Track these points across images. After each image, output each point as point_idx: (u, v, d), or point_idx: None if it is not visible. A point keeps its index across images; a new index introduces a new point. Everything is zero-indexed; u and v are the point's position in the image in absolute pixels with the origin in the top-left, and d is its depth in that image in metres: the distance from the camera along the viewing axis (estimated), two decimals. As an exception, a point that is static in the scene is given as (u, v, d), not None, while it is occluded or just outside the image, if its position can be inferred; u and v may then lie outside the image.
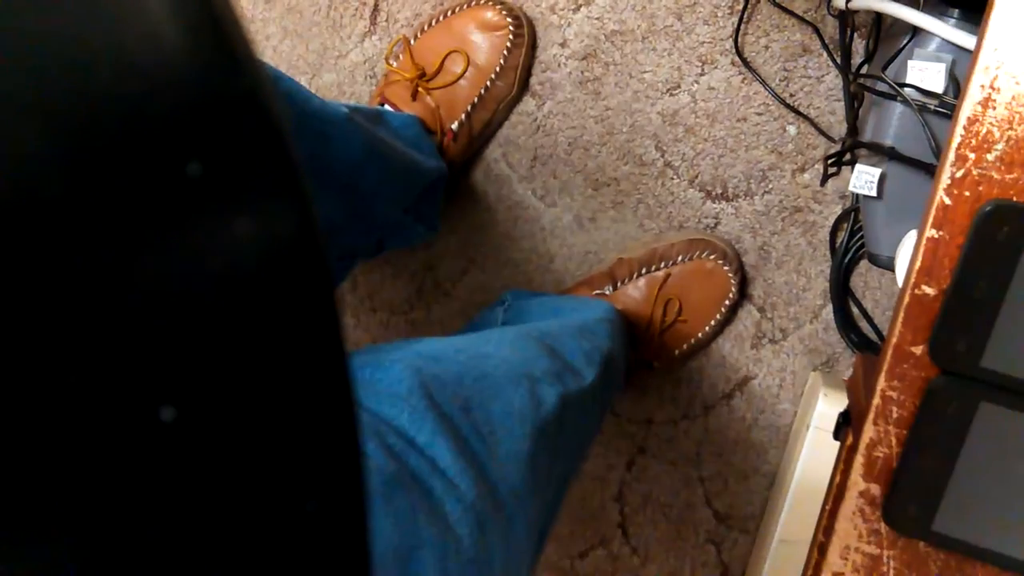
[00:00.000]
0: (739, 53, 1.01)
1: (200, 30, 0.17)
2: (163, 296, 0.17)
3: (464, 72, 1.02)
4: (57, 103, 0.16)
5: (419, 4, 1.06)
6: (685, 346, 1.07)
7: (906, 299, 0.44)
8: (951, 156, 0.42)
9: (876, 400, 0.45)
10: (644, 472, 1.14)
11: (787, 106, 1.01)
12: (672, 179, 1.06)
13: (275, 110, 0.18)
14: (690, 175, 1.05)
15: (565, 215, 1.09)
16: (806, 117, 1.01)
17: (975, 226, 0.41)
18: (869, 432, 0.45)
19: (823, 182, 1.01)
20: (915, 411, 0.44)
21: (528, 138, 1.07)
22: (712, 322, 1.06)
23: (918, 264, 0.43)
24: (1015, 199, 0.41)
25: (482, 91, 1.02)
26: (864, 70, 0.95)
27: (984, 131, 0.41)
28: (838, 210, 1.03)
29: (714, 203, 1.06)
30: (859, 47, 0.98)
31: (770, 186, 1.04)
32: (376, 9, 1.06)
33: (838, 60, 0.97)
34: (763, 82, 1.01)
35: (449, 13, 1.03)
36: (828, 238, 1.03)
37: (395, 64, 1.02)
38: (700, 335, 1.06)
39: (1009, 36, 0.40)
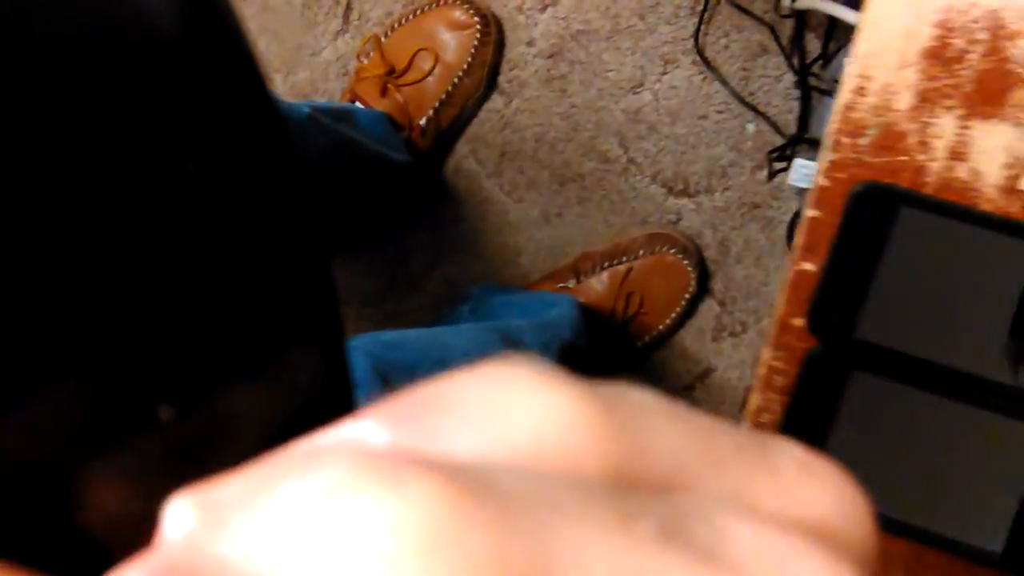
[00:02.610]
0: (700, 53, 1.04)
1: None
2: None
3: (432, 69, 1.05)
4: None
5: (390, 3, 1.09)
6: (647, 338, 1.09)
7: (789, 275, 0.46)
8: (829, 141, 0.45)
9: (761, 370, 0.48)
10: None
11: (746, 104, 1.04)
12: (635, 175, 1.09)
13: None
14: (652, 171, 1.08)
15: (532, 210, 1.12)
16: (764, 115, 1.04)
17: (848, 206, 0.44)
18: (755, 400, 0.48)
19: (770, 177, 1.04)
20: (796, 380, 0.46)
21: (496, 135, 1.10)
22: (673, 315, 1.08)
23: (800, 242, 0.46)
24: (885, 181, 0.44)
25: (450, 88, 1.05)
26: (815, 69, 0.97)
27: (858, 117, 0.44)
28: (796, 206, 1.05)
29: (676, 199, 1.08)
30: (818, 46, 1.00)
31: (730, 183, 1.07)
32: (349, 8, 1.09)
33: (793, 59, 1.00)
34: (723, 81, 1.04)
35: (419, 12, 1.06)
36: (786, 233, 1.06)
37: (366, 61, 1.05)
38: (661, 328, 1.09)
39: (880, 29, 0.43)
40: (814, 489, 0.13)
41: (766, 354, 0.47)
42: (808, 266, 0.46)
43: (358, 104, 1.04)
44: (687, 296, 1.07)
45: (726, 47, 1.04)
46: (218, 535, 0.11)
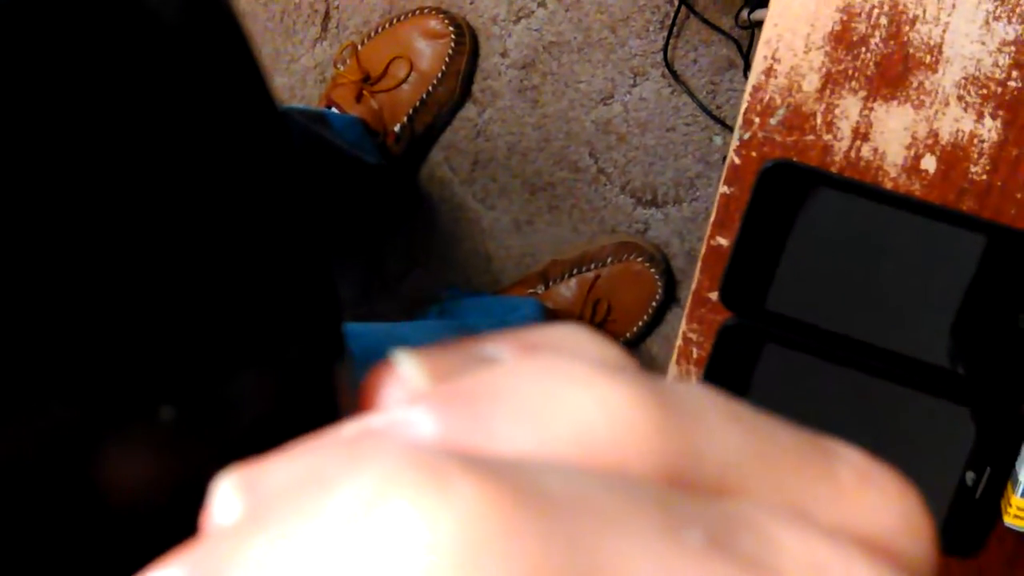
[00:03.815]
0: (669, 66, 1.06)
1: None
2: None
3: (407, 77, 1.07)
4: None
5: (368, 12, 1.12)
6: (614, 346, 1.11)
7: (703, 250, 0.48)
8: (740, 120, 0.46)
9: (679, 342, 0.49)
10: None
11: (713, 117, 1.06)
12: (605, 185, 1.11)
13: None
14: (622, 182, 1.10)
15: (503, 218, 1.14)
16: (731, 128, 1.06)
17: (757, 182, 0.46)
18: (672, 372, 0.50)
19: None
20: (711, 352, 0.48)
21: (469, 143, 1.12)
22: (640, 323, 1.10)
23: (713, 218, 0.48)
24: (794, 159, 0.46)
25: (424, 95, 1.07)
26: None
27: (767, 98, 0.46)
28: (760, 217, 1.07)
29: (644, 209, 1.10)
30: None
31: (697, 193, 1.09)
32: (327, 16, 1.12)
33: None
34: (691, 94, 1.07)
35: (395, 21, 1.09)
36: (751, 244, 1.08)
37: (342, 68, 1.08)
38: (629, 335, 1.10)
39: (788, 13, 0.45)
40: (873, 500, 0.13)
41: (683, 326, 0.49)
42: (721, 241, 0.48)
43: (333, 110, 1.07)
44: (654, 304, 1.09)
45: (694, 61, 1.06)
46: (261, 535, 0.11)
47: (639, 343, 1.12)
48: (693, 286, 0.49)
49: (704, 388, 0.13)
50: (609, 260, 1.09)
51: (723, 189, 0.47)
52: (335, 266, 1.17)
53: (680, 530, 0.11)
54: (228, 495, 0.12)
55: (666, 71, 1.07)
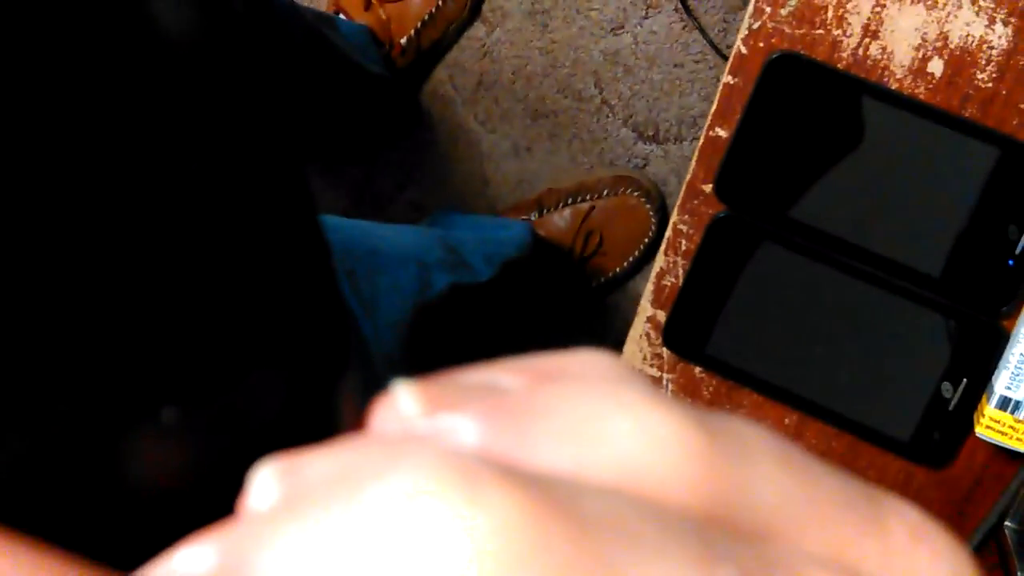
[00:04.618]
0: (682, 0, 1.05)
1: None
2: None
3: (417, -11, 1.06)
4: None
5: (384, -79, 1.10)
6: (603, 279, 1.10)
7: (701, 140, 0.48)
8: (750, 9, 0.46)
9: (668, 233, 0.49)
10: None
11: (723, 56, 1.05)
12: (608, 117, 1.10)
13: None
14: (625, 115, 1.09)
15: (503, 142, 1.13)
16: (738, 68, 1.05)
17: (763, 73, 0.45)
18: (660, 262, 0.49)
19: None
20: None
21: (475, 63, 1.11)
22: (631, 258, 1.10)
23: (714, 108, 0.47)
24: (802, 52, 0.45)
25: (433, 10, 1.06)
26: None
27: (781, -13, 0.45)
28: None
29: (645, 144, 1.10)
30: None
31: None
32: (342, -79, 1.10)
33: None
34: (702, 31, 1.05)
35: (409, -68, 1.07)
36: (748, 188, 1.07)
37: (353, -26, 1.06)
38: (618, 269, 1.10)
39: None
40: (924, 557, 0.12)
41: (674, 217, 0.49)
42: (720, 132, 0.47)
43: (341, 16, 1.06)
44: (646, 241, 1.09)
45: (709, -3, 1.05)
46: (294, 522, 0.11)
47: (627, 280, 1.12)
48: (688, 176, 0.48)
49: (759, 427, 0.12)
50: (605, 192, 1.08)
51: (727, 79, 0.47)
52: (328, 176, 1.16)
53: (714, 566, 0.10)
54: (266, 481, 0.12)
55: (679, 5, 1.05)
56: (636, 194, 1.07)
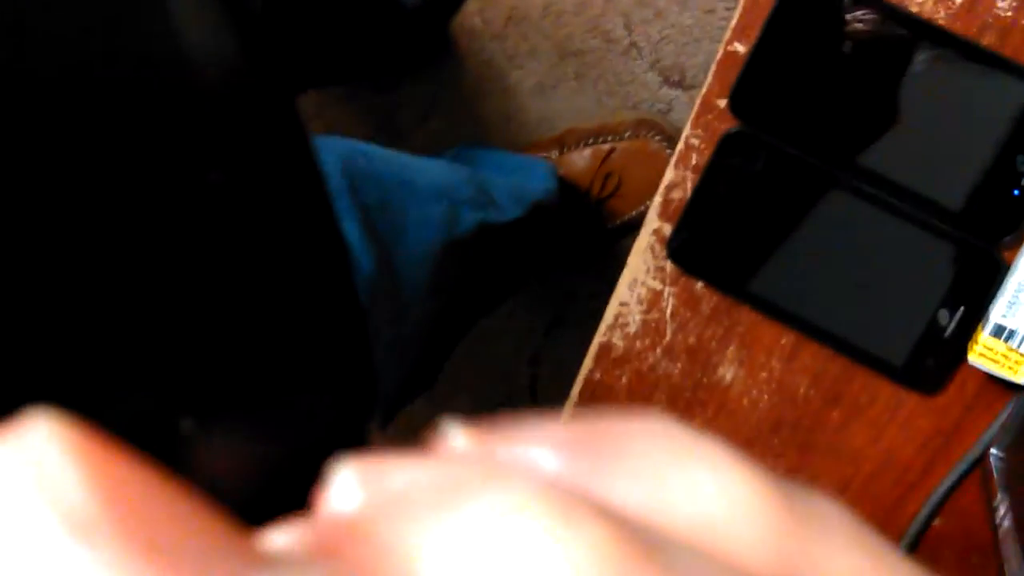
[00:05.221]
0: (718, -54, 1.05)
1: None
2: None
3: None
4: None
5: None
6: (618, 221, 1.11)
7: (720, 54, 0.48)
8: (778, -75, 0.46)
9: (680, 146, 0.49)
10: (561, 341, 1.19)
11: (754, 5, 1.05)
12: (635, 59, 1.10)
13: None
14: (652, 58, 1.09)
15: (528, 79, 1.13)
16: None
17: (784, -11, 0.46)
18: (670, 175, 0.50)
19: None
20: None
21: (506, -3, 1.11)
22: (648, 202, 1.10)
23: (735, 22, 0.47)
24: (825, -30, 0.46)
25: (467, -60, 1.06)
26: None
27: (809, -96, 0.45)
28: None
29: (670, 89, 1.10)
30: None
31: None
32: None
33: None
34: (735, -22, 1.05)
35: None
36: (770, 140, 1.07)
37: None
38: (634, 213, 1.10)
39: None
40: None
41: (687, 131, 0.49)
42: (739, 47, 0.47)
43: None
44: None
45: (744, -56, 1.04)
46: (391, 529, 0.11)
47: (639, 225, 1.12)
48: (703, 91, 0.49)
49: (837, 504, 0.12)
50: (627, 135, 1.08)
51: (749, -6, 0.47)
52: (350, 102, 1.17)
53: None
54: (349, 484, 0.12)
55: (714, -49, 1.05)
56: (657, 138, 1.08)
